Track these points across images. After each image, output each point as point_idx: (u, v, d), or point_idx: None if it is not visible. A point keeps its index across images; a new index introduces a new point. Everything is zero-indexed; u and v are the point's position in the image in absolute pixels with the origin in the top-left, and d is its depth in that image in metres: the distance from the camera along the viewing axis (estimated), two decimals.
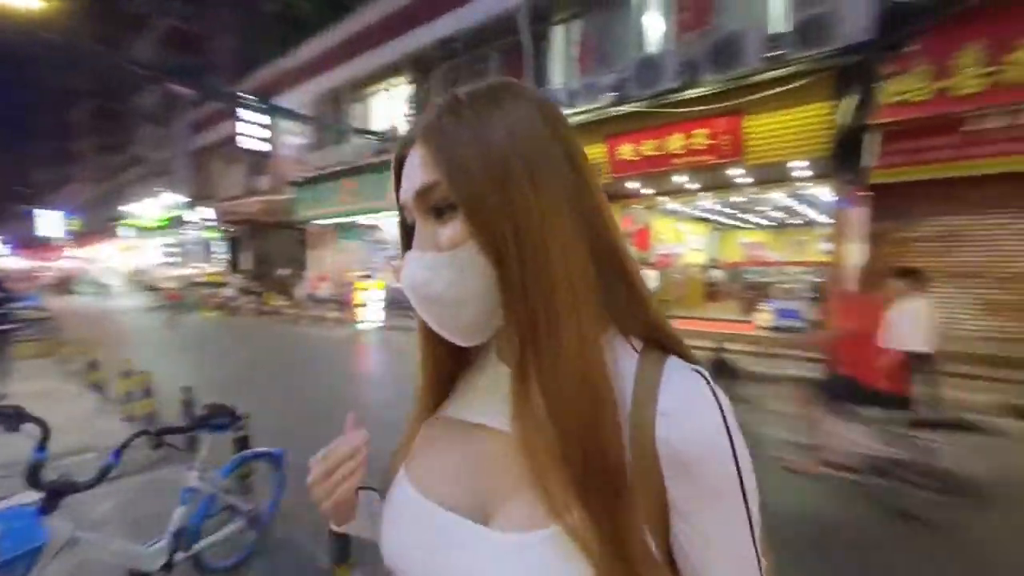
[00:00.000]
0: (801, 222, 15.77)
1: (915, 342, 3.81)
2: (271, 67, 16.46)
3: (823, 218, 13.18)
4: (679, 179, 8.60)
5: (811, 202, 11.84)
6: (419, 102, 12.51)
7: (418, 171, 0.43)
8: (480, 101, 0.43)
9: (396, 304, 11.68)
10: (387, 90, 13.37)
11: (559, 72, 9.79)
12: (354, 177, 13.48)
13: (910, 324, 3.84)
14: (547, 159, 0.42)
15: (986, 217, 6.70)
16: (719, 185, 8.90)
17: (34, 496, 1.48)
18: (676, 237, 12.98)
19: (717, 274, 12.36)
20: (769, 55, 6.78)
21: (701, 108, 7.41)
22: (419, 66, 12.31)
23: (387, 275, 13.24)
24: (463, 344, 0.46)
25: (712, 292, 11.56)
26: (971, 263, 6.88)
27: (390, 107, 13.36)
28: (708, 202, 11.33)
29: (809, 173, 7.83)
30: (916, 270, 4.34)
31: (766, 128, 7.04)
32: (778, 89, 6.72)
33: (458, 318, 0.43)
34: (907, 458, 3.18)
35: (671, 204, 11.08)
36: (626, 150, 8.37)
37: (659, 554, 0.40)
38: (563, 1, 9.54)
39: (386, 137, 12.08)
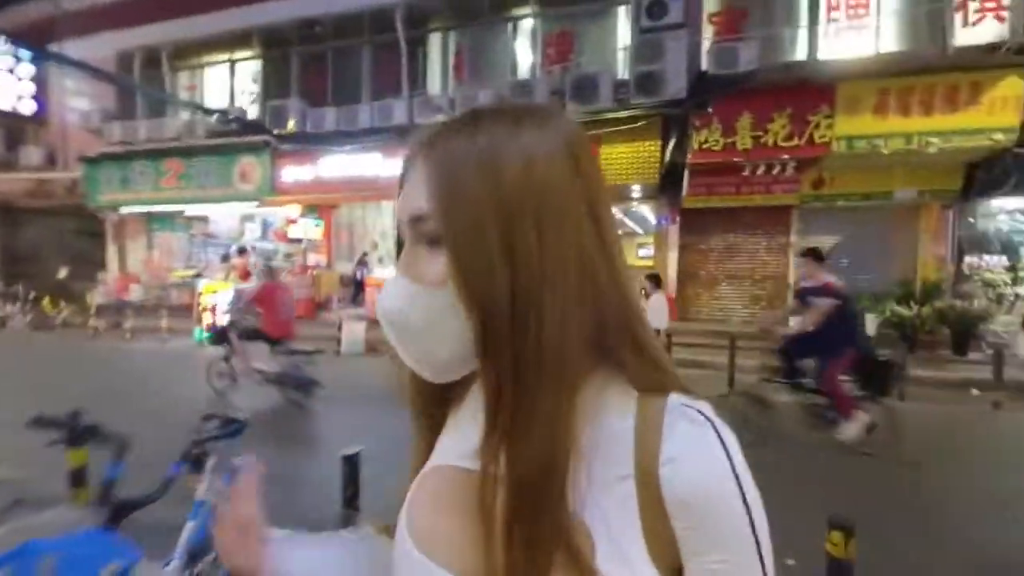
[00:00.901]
0: (622, 232, 19.05)
1: (656, 324, 6.19)
2: (43, 3, 12.70)
3: (639, 230, 16.25)
4: None
5: (634, 217, 14.53)
6: (269, 82, 11.30)
7: (415, 193, 0.40)
8: (499, 122, 0.40)
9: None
10: (230, 63, 11.67)
11: (436, 79, 10.06)
12: (183, 159, 11.44)
13: (652, 312, 6.21)
14: (562, 203, 0.39)
15: (751, 236, 9.40)
16: None
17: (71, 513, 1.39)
18: None
19: None
20: (618, 97, 8.29)
21: None
22: (272, 43, 11.12)
23: (225, 275, 11.57)
24: (435, 380, 0.44)
25: None
26: (742, 268, 9.56)
27: (234, 82, 11.70)
28: None
29: (640, 195, 9.75)
30: (657, 275, 6.83)
31: (616, 156, 8.58)
32: (624, 127, 8.29)
33: (430, 355, 0.42)
34: None
35: None
36: None
37: None
38: (441, 10, 9.85)
39: (227, 117, 10.57)
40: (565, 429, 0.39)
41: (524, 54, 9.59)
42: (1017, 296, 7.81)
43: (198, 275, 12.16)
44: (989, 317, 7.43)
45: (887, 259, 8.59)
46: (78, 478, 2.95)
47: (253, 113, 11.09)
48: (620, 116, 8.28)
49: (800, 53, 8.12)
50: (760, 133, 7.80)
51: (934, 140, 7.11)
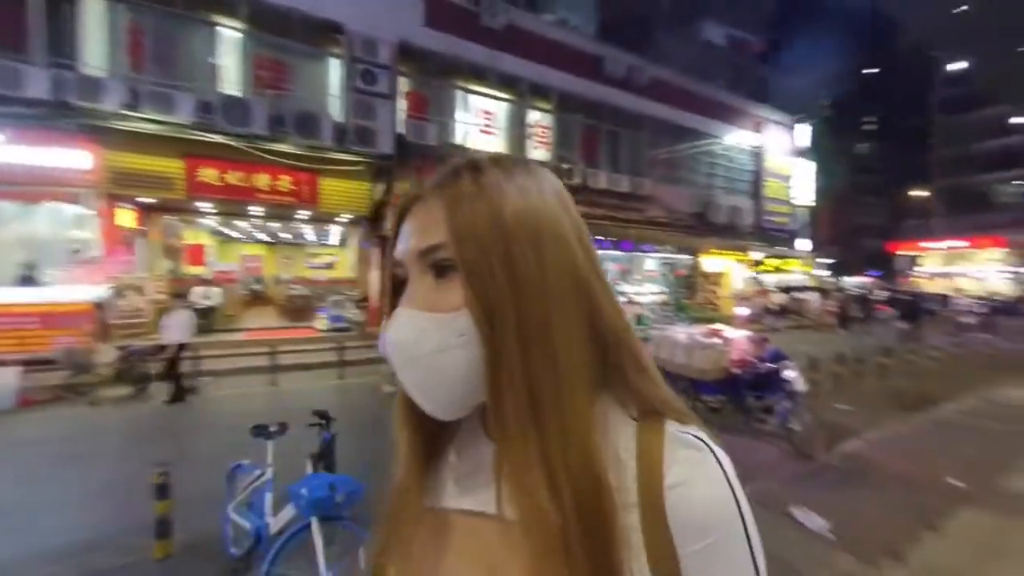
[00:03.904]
0: (292, 242, 19.15)
1: (180, 336, 6.47)
2: None
3: (317, 240, 17.25)
4: (255, 209, 9.78)
5: (297, 231, 15.56)
6: None
7: (426, 229, 0.43)
8: (499, 170, 0.44)
9: None
10: None
11: (99, 54, 8.12)
12: None
13: (176, 325, 6.47)
14: (557, 237, 0.43)
15: None
16: (284, 217, 10.76)
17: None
18: (228, 254, 12.94)
19: (271, 287, 13.51)
20: (337, 138, 9.65)
21: (288, 161, 9.23)
22: None
23: None
24: (439, 416, 0.44)
25: (267, 303, 12.75)
26: None
27: None
28: (244, 223, 12.49)
29: (348, 221, 11.36)
30: (183, 294, 7.54)
31: (335, 189, 9.92)
32: (344, 167, 9.78)
33: (441, 385, 0.42)
34: None
35: (206, 221, 11.39)
36: (210, 174, 8.65)
37: None
38: None
39: None
40: (595, 434, 0.40)
41: (231, 65, 9.27)
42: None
43: None
44: None
45: None
46: (163, 529, 2.88)
47: None
48: (341, 158, 9.69)
49: (460, 139, 12.00)
50: None
51: None
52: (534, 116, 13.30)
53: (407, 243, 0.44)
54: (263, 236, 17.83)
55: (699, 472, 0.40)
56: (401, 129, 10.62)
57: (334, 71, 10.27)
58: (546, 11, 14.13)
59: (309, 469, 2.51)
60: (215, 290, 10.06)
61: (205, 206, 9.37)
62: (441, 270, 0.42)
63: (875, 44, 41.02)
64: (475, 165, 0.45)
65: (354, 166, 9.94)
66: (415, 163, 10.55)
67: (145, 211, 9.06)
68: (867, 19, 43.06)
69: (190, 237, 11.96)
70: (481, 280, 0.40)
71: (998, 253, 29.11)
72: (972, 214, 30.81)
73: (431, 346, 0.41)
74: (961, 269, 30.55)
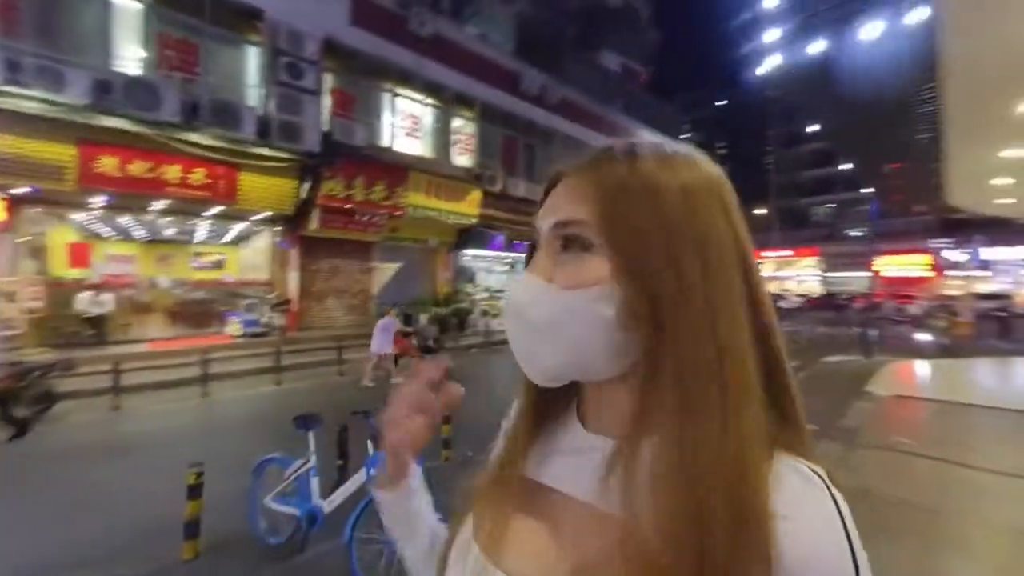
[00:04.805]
0: (177, 240, 16.98)
1: None
2: None
3: (205, 239, 15.57)
4: (158, 203, 8.81)
5: (212, 233, 14.09)
6: None
7: (567, 203, 0.42)
8: (657, 158, 0.41)
9: None
10: None
11: None
12: None
13: None
14: (720, 243, 0.40)
15: (349, 260, 12.43)
16: (192, 213, 9.80)
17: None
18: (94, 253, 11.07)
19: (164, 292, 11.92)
20: (260, 132, 9.14)
21: (203, 152, 8.52)
22: None
23: None
24: (533, 379, 0.44)
25: (149, 310, 11.22)
26: (342, 285, 12.43)
27: None
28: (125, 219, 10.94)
29: (262, 219, 10.70)
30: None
31: (256, 185, 9.35)
32: (268, 163, 9.29)
33: (539, 352, 0.42)
34: None
35: (76, 216, 9.81)
36: (109, 163, 7.66)
37: None
38: None
39: None
40: (755, 464, 0.36)
41: (131, 42, 8.27)
42: (476, 299, 15.06)
43: None
44: (470, 312, 14.06)
45: (424, 279, 14.01)
46: (192, 530, 2.89)
47: None
48: (265, 153, 9.19)
49: (387, 141, 12.01)
50: (368, 192, 11.04)
51: (450, 215, 12.83)
52: (458, 123, 13.77)
53: (547, 215, 0.44)
54: (141, 233, 15.64)
55: (811, 507, 0.36)
56: (327, 127, 10.37)
57: (253, 61, 9.69)
58: (469, 23, 14.68)
59: (371, 450, 2.85)
60: (106, 296, 8.80)
61: (97, 199, 8.20)
62: (569, 245, 0.42)
63: (725, 79, 48.90)
64: (631, 149, 0.42)
65: (279, 162, 9.49)
66: (344, 162, 10.40)
67: (15, 203, 7.68)
68: (719, 56, 51.03)
69: (54, 234, 10.20)
70: (637, 271, 0.39)
71: (813, 260, 36.68)
72: (797, 229, 38.39)
73: (540, 313, 0.41)
74: (787, 273, 37.93)
